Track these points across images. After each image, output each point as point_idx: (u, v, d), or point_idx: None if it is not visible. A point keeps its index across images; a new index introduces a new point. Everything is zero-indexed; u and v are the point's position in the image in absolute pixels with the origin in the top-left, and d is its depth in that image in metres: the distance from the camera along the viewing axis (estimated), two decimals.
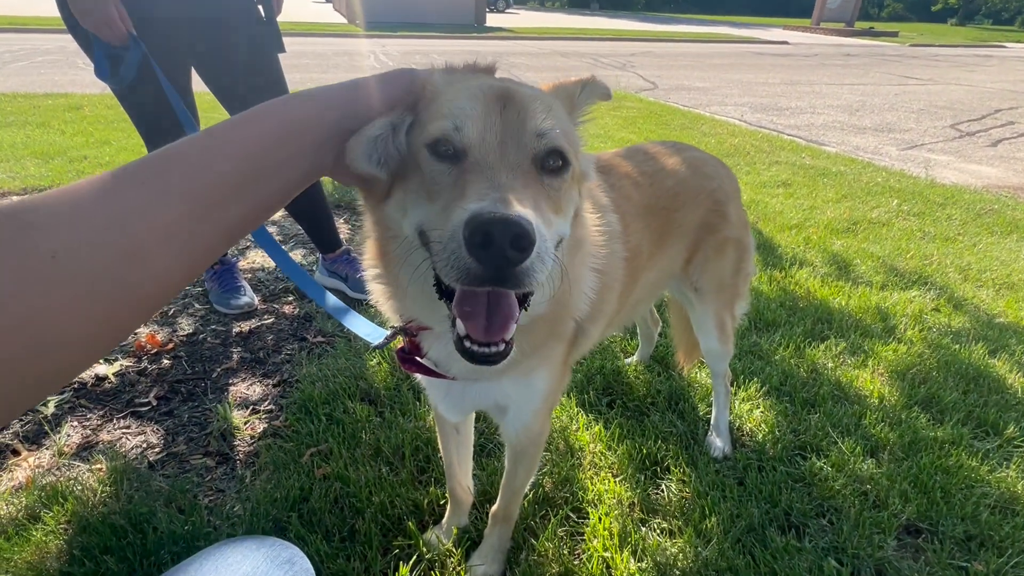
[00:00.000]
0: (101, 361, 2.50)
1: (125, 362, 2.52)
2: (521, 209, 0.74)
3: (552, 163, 0.90)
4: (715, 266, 1.85)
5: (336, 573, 1.58)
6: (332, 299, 1.37)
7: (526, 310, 0.93)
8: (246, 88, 2.60)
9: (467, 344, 0.85)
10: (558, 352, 1.32)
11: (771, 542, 1.74)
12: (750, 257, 1.94)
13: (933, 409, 2.36)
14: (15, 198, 4.03)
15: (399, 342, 1.24)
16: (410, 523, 1.72)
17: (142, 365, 2.51)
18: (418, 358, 1.20)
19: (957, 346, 2.82)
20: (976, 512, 1.86)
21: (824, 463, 2.05)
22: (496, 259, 0.72)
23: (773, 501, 1.88)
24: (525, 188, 0.83)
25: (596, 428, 2.18)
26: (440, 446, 1.70)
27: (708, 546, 1.72)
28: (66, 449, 2.06)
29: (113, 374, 2.43)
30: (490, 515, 1.68)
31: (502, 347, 0.85)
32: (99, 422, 2.20)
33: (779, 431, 2.20)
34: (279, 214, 4.25)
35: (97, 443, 2.10)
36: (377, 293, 1.18)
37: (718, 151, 6.61)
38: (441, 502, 1.84)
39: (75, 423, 2.18)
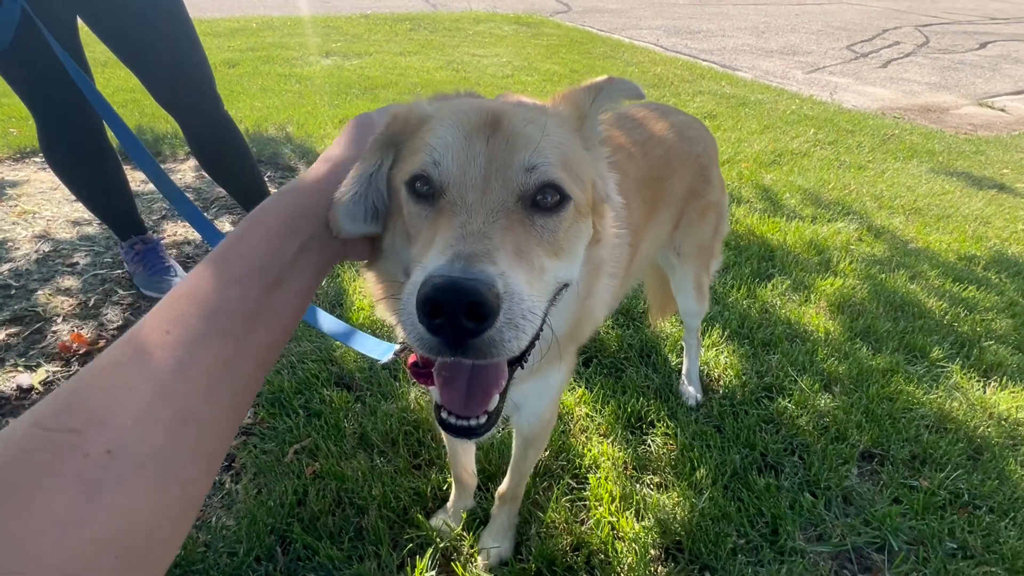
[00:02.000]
0: (22, 369, 2.20)
1: (51, 367, 2.23)
2: (489, 267, 0.66)
3: (547, 200, 0.80)
4: (697, 230, 1.86)
5: None
6: (329, 320, 1.25)
7: (523, 367, 0.86)
8: (145, 36, 2.22)
9: (444, 415, 0.79)
10: (573, 350, 1.31)
11: (754, 485, 1.88)
12: (726, 218, 1.97)
13: (871, 339, 2.60)
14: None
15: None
16: (418, 515, 1.70)
17: (72, 369, 2.24)
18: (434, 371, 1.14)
19: (883, 275, 3.08)
20: (918, 434, 2.10)
21: (788, 402, 2.21)
22: (450, 331, 0.64)
23: (751, 445, 2.02)
24: (506, 233, 0.73)
25: (580, 391, 2.22)
26: (443, 435, 1.66)
27: (701, 497, 1.83)
28: None
29: (39, 383, 2.15)
30: (497, 495, 1.68)
31: (484, 419, 0.79)
32: None
33: (745, 375, 2.34)
34: (196, 177, 3.82)
35: None
36: (386, 314, 1.10)
37: (643, 81, 6.59)
38: (443, 487, 1.82)
39: None
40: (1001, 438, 2.11)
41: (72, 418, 0.49)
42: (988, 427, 2.16)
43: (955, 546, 1.74)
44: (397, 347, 1.21)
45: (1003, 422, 2.19)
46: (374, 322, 2.50)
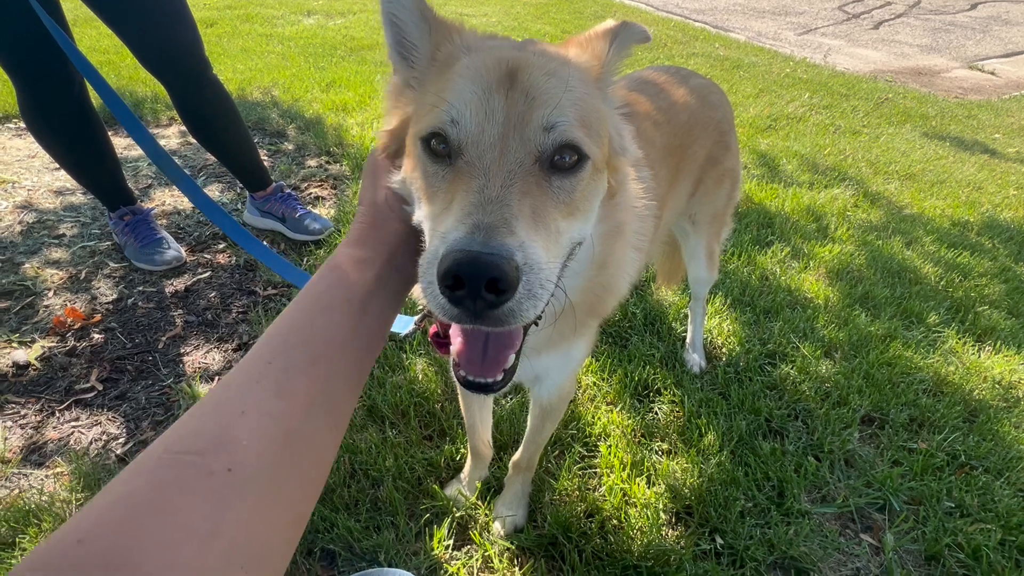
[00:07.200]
0: (17, 345, 2.14)
1: (46, 343, 2.17)
2: (508, 239, 0.66)
3: (564, 160, 0.78)
4: (712, 198, 1.84)
5: (371, 548, 1.56)
6: None
7: (537, 324, 0.85)
8: None
9: (462, 372, 0.80)
10: (594, 324, 1.29)
11: (760, 450, 1.92)
12: (740, 185, 1.96)
13: (869, 305, 2.64)
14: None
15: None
16: (433, 485, 1.72)
17: (68, 344, 2.18)
18: None
19: (880, 242, 3.11)
20: (916, 398, 2.15)
21: (790, 368, 2.25)
22: (472, 302, 0.65)
23: (755, 411, 2.06)
24: (524, 198, 0.72)
25: (587, 360, 2.22)
26: (462, 407, 1.66)
27: (709, 463, 1.87)
28: (9, 455, 1.79)
29: (36, 359, 2.10)
30: (511, 464, 1.70)
31: (500, 376, 0.80)
32: (39, 418, 1.92)
33: (748, 342, 2.37)
34: (182, 143, 3.69)
35: (45, 443, 1.85)
36: None
37: None
38: (457, 457, 1.83)
39: (8, 423, 1.89)
40: (996, 401, 2.17)
41: (196, 441, 0.55)
42: (983, 390, 2.22)
43: (952, 505, 1.80)
44: (417, 319, 1.19)
45: (997, 385, 2.25)
46: None
